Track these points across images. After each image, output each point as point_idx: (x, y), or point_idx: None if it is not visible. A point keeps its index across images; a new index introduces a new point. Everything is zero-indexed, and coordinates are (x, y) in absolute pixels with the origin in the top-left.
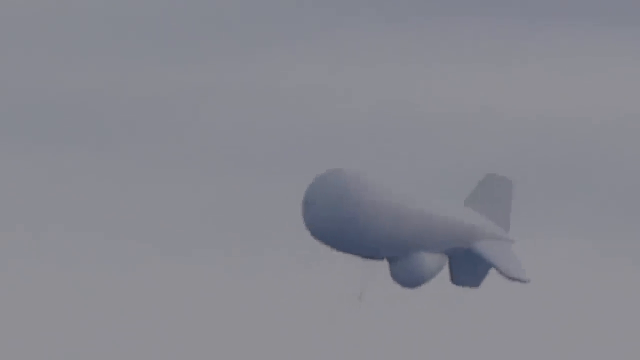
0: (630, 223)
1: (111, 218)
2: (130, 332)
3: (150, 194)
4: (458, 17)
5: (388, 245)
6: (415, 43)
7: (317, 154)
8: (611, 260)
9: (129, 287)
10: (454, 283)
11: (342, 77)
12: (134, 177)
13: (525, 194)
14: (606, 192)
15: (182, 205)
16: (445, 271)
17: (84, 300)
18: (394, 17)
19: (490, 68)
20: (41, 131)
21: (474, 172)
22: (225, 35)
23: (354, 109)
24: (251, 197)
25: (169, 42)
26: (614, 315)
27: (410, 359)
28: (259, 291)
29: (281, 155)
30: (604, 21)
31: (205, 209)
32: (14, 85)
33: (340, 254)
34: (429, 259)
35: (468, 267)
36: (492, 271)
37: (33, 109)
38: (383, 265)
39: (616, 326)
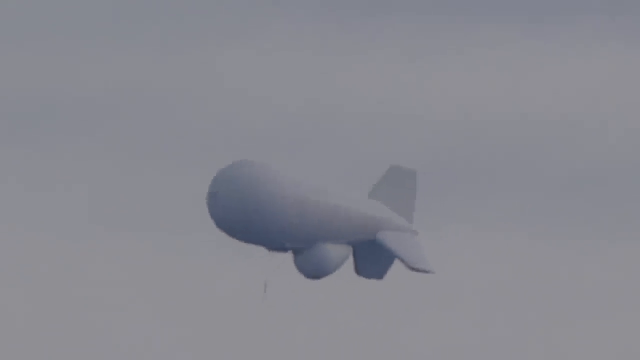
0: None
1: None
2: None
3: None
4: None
5: (293, 237)
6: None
7: (225, 148)
8: (513, 250)
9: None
10: (359, 274)
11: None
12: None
13: (429, 186)
14: (509, 183)
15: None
16: (350, 262)
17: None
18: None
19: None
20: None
21: (379, 165)
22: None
23: (267, 104)
24: (161, 189)
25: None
26: (517, 306)
27: (315, 350)
28: (166, 282)
29: (190, 149)
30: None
31: (119, 199)
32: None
33: (246, 245)
34: (333, 250)
35: (372, 258)
36: (397, 262)
37: (26, 104)
38: (288, 257)
39: (519, 316)
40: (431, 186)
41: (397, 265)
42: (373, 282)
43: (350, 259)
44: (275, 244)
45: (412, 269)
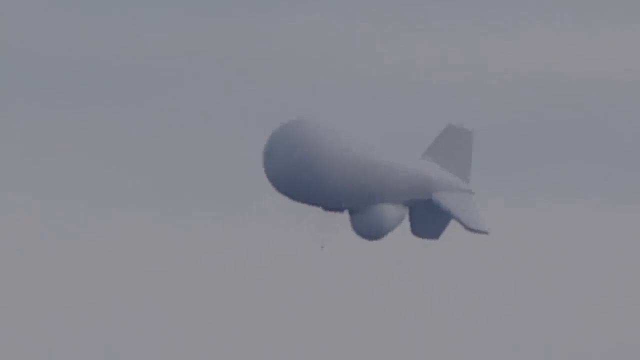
0: (592, 180)
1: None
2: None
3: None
4: None
5: (348, 197)
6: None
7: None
8: (574, 214)
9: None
10: (415, 234)
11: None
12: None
13: (486, 146)
14: (569, 149)
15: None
16: (406, 222)
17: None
18: None
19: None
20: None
21: (436, 124)
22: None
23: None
24: (215, 149)
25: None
26: (574, 269)
27: (373, 311)
28: (226, 241)
29: (244, 110)
30: None
31: (171, 164)
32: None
33: (302, 205)
34: (389, 211)
35: (428, 218)
36: (453, 222)
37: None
38: (344, 217)
39: (575, 279)
40: (490, 147)
41: (453, 225)
42: (429, 242)
43: (407, 219)
44: (331, 204)
45: (468, 229)
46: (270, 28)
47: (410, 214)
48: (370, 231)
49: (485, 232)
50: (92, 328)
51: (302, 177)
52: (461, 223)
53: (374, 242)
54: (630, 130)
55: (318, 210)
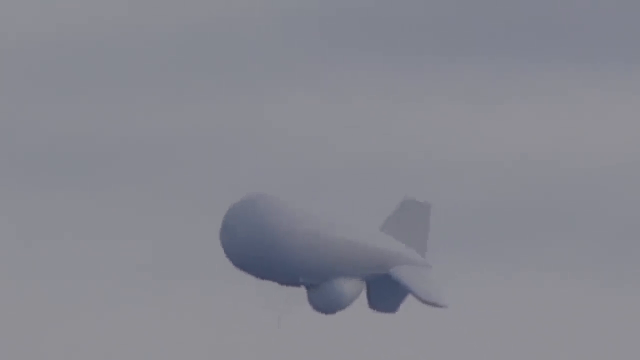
0: (548, 245)
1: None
2: None
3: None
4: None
5: (305, 272)
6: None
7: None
8: (528, 281)
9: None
10: (372, 308)
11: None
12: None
13: (442, 219)
14: (524, 215)
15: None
16: (363, 296)
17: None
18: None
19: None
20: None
21: (392, 198)
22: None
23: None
24: (172, 223)
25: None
26: (532, 338)
27: None
28: (180, 317)
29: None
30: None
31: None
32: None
33: (258, 280)
34: (346, 285)
35: (386, 292)
36: (410, 296)
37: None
38: (301, 292)
39: (533, 348)
40: (445, 220)
41: (410, 299)
42: (387, 315)
43: (364, 293)
44: (288, 279)
45: (425, 302)
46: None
47: (368, 288)
48: (328, 305)
49: (444, 306)
50: None
51: (259, 251)
52: (418, 297)
53: (331, 316)
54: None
55: (274, 285)
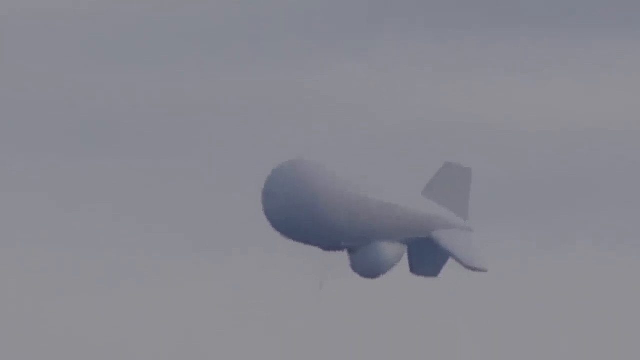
0: (586, 213)
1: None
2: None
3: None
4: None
5: (347, 236)
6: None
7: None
8: (568, 249)
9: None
10: (413, 273)
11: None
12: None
13: (484, 183)
14: (565, 184)
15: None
16: (405, 261)
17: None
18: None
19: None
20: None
21: (434, 161)
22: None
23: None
24: (214, 189)
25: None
26: (572, 305)
27: (372, 349)
28: (223, 282)
29: (243, 148)
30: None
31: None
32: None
33: (300, 244)
34: (387, 249)
35: (427, 256)
36: (451, 260)
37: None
38: (343, 256)
39: (574, 315)
40: (485, 182)
41: (452, 263)
42: (428, 280)
43: (405, 257)
44: (329, 243)
45: (467, 267)
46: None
47: (409, 252)
48: (370, 270)
49: (485, 270)
50: None
51: (300, 216)
52: (459, 261)
53: (373, 280)
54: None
55: (317, 249)
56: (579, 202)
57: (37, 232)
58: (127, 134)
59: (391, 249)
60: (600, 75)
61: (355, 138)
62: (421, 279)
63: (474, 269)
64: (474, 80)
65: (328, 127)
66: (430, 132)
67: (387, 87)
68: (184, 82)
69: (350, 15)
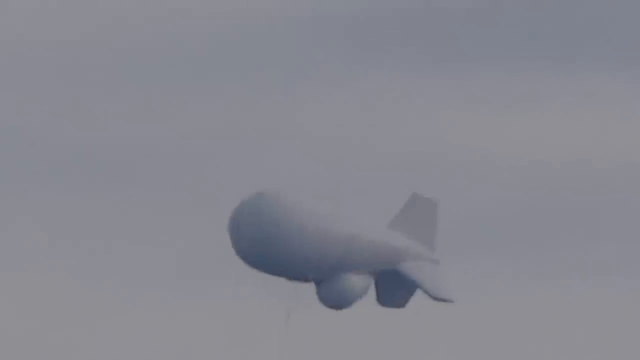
0: (554, 241)
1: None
2: None
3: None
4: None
5: (314, 267)
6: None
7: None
8: (535, 278)
9: None
10: (381, 304)
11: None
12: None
13: (450, 215)
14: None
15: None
16: (372, 292)
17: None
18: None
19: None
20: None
21: (400, 194)
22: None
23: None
24: (183, 219)
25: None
26: (540, 333)
27: None
28: (189, 314)
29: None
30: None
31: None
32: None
33: (268, 276)
34: (355, 280)
35: (394, 287)
36: (419, 291)
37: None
38: (310, 287)
39: (543, 343)
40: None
41: (419, 294)
42: (395, 310)
43: (372, 289)
44: (296, 275)
45: (435, 298)
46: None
47: (376, 284)
48: (337, 301)
49: (452, 301)
50: None
51: (267, 247)
52: (427, 292)
53: (340, 311)
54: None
55: (283, 281)
56: (549, 236)
57: None
58: (97, 165)
59: (358, 281)
60: (575, 109)
61: (325, 170)
62: (389, 310)
63: (441, 300)
64: (448, 112)
65: (299, 160)
66: (399, 163)
67: (360, 120)
68: (159, 112)
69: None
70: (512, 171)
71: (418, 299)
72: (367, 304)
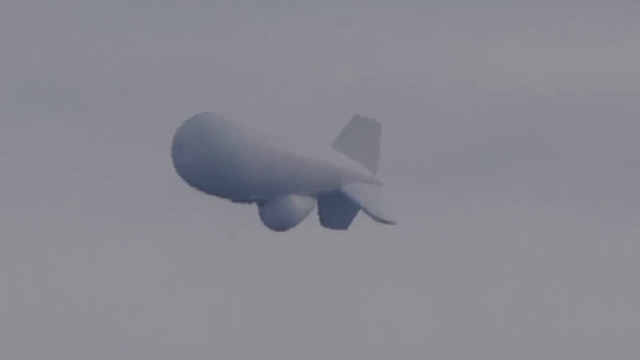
0: (503, 168)
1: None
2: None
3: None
4: None
5: (257, 188)
6: None
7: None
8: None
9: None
10: (324, 225)
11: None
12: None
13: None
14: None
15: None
16: (315, 214)
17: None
18: None
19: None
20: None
21: (343, 115)
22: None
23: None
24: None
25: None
26: (480, 259)
27: (280, 302)
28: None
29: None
30: None
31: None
32: None
33: (210, 197)
34: (298, 202)
35: (337, 209)
36: (361, 213)
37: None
38: (253, 208)
39: (477, 266)
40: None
41: (361, 216)
42: (338, 232)
43: (315, 210)
44: (239, 196)
45: (377, 219)
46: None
47: (319, 205)
48: (279, 222)
49: (394, 223)
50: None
51: (210, 168)
52: (369, 214)
53: (283, 233)
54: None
55: (227, 202)
56: (498, 163)
57: None
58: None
59: (301, 202)
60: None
61: (269, 94)
62: (331, 231)
63: (383, 222)
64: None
65: (244, 84)
66: (359, 88)
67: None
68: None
69: None
70: (462, 96)
71: (360, 220)
72: (310, 225)
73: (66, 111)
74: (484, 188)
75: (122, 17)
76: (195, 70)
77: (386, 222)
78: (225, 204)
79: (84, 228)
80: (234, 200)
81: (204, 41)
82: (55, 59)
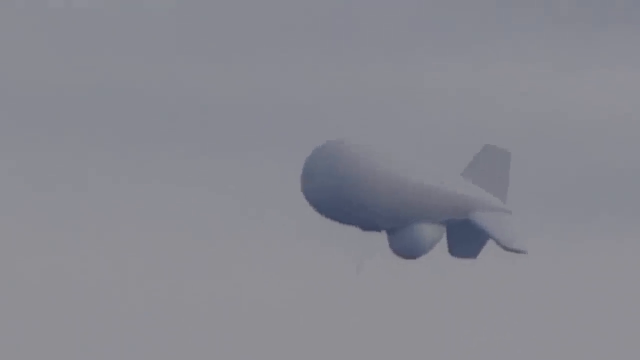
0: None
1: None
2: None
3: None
4: None
5: (387, 217)
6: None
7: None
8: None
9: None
10: (452, 254)
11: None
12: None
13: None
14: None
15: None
16: (444, 242)
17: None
18: None
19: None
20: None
21: (473, 145)
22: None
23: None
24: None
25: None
26: (609, 288)
27: (409, 331)
28: (260, 263)
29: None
30: None
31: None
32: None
33: (340, 225)
34: (427, 230)
35: (466, 238)
36: (490, 242)
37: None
38: (382, 237)
39: (611, 299)
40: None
41: (490, 245)
42: (467, 261)
43: (444, 239)
44: (369, 224)
45: (507, 248)
46: None
47: (448, 234)
48: (408, 250)
49: (524, 252)
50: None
51: (341, 197)
52: (498, 243)
53: (412, 261)
54: None
55: (355, 230)
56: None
57: None
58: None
59: (430, 230)
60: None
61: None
62: (460, 260)
63: (513, 251)
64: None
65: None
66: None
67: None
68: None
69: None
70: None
71: (489, 249)
72: (439, 254)
73: (204, 139)
74: (614, 220)
75: (251, 45)
76: (339, 94)
77: (516, 251)
78: (354, 231)
79: (223, 254)
80: (364, 228)
81: (350, 69)
82: (190, 90)
